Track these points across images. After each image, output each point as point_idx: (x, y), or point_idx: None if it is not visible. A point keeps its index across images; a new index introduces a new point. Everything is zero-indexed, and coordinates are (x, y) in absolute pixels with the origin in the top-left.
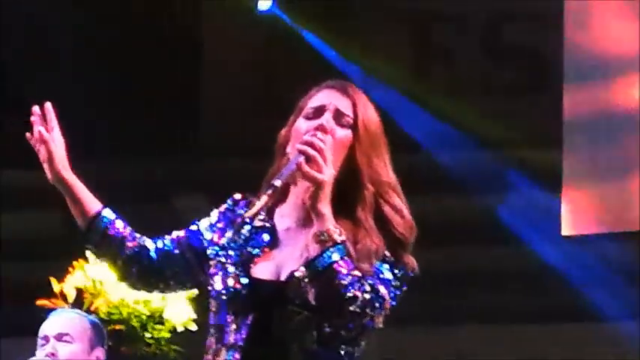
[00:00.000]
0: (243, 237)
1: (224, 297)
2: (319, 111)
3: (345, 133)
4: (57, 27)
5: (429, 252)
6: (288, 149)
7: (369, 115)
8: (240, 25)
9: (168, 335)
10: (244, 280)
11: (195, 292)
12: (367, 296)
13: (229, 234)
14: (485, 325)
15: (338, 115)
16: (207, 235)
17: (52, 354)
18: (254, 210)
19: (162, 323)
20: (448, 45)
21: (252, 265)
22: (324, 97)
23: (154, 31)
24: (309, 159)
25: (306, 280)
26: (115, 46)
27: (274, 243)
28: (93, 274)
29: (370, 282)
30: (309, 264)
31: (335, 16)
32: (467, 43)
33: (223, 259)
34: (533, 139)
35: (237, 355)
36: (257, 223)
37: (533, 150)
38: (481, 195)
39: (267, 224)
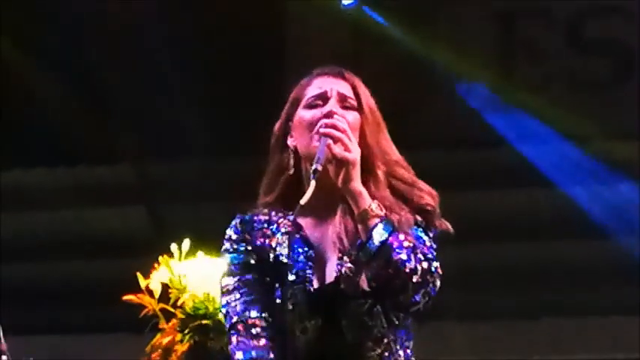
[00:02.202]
0: (284, 249)
1: (285, 308)
2: (322, 98)
3: (353, 116)
4: (140, 26)
5: (516, 245)
6: (290, 142)
7: (368, 95)
8: (325, 20)
9: None
10: (300, 290)
11: None
12: (425, 264)
13: (284, 249)
14: (572, 319)
15: (342, 99)
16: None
17: None
18: (307, 197)
19: None
20: (533, 39)
21: (302, 276)
22: (322, 83)
23: (238, 29)
24: (335, 141)
25: (361, 264)
26: (197, 44)
27: (311, 246)
28: (178, 269)
29: (420, 248)
30: (362, 246)
31: (419, 11)
32: (551, 37)
33: (275, 277)
34: (618, 132)
35: None
36: (283, 229)
37: (619, 143)
38: (567, 188)
39: (294, 230)
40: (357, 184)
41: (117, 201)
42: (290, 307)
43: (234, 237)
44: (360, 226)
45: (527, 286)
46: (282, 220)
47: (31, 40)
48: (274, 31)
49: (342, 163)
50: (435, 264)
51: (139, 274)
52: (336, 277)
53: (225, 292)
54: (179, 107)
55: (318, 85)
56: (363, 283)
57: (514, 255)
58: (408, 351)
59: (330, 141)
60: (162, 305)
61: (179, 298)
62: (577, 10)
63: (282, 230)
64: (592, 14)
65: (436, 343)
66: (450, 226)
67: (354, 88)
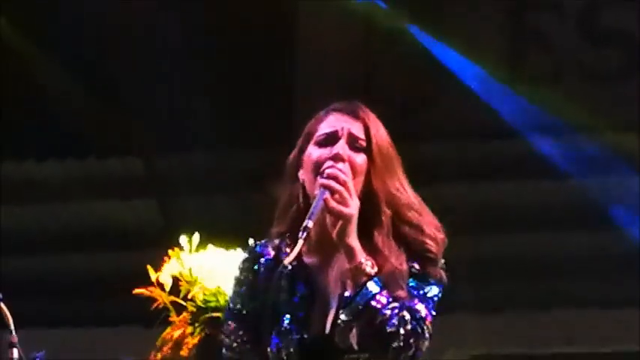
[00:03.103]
0: (283, 290)
1: (279, 357)
2: (332, 137)
3: (361, 159)
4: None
5: (526, 236)
6: (300, 175)
7: (381, 135)
8: (338, 12)
9: None
10: (295, 338)
11: None
12: (409, 327)
13: (284, 292)
14: (584, 310)
15: (351, 140)
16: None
17: None
18: (291, 257)
19: None
20: (544, 31)
21: (297, 320)
22: (335, 121)
23: (249, 22)
24: (333, 193)
25: (349, 321)
26: (208, 37)
27: (311, 288)
28: (189, 262)
29: (408, 305)
30: (348, 304)
31: (431, 3)
32: (563, 28)
33: (270, 320)
34: (629, 124)
35: None
36: (289, 271)
37: (629, 135)
38: (578, 180)
39: (300, 269)
40: (350, 239)
41: (127, 193)
42: (284, 356)
43: (238, 275)
44: (349, 282)
45: (538, 277)
46: (288, 256)
47: (42, 32)
48: (286, 24)
49: (338, 218)
50: (424, 324)
51: (149, 267)
52: (331, 328)
53: (225, 331)
54: (189, 100)
55: (330, 122)
56: (355, 337)
57: (524, 246)
58: None
59: (327, 194)
60: (172, 298)
61: (189, 290)
62: (589, 2)
63: (288, 271)
64: (604, 5)
65: (447, 335)
66: (445, 279)
67: (366, 128)
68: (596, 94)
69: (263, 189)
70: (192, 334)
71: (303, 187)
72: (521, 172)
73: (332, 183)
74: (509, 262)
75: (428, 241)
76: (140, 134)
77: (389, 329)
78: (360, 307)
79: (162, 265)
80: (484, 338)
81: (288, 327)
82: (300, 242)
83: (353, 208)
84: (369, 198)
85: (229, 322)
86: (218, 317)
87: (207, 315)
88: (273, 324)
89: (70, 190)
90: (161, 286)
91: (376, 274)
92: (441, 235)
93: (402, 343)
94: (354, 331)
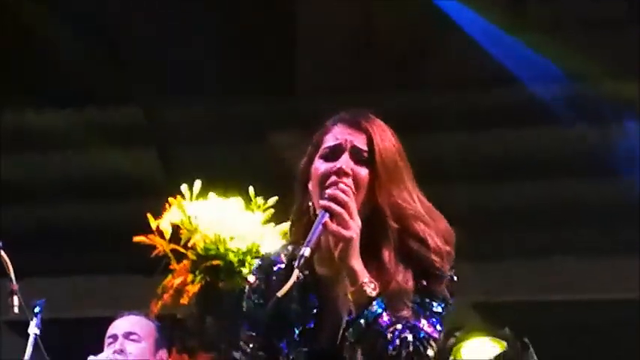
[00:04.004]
0: (294, 300)
1: None
2: (336, 150)
3: (364, 172)
4: None
5: (525, 184)
6: (309, 186)
7: (386, 144)
8: None
9: None
10: (304, 351)
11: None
12: (410, 348)
13: (295, 303)
14: (584, 258)
15: (355, 153)
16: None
17: (121, 350)
18: (286, 288)
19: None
20: None
21: (307, 332)
22: (339, 133)
23: None
24: (333, 215)
25: (353, 343)
26: None
27: (322, 300)
28: (189, 210)
29: (412, 324)
30: (352, 324)
31: None
32: None
33: (281, 329)
34: (628, 71)
35: None
36: (301, 281)
37: (628, 83)
38: (578, 128)
39: (312, 280)
40: (352, 261)
41: (127, 142)
42: None
43: (252, 282)
44: (351, 302)
45: (538, 225)
46: (302, 267)
47: None
48: None
49: (339, 240)
50: (428, 341)
51: (149, 215)
52: (339, 343)
53: (242, 336)
54: (190, 48)
55: (335, 134)
56: (360, 356)
57: (524, 194)
58: None
59: (327, 217)
60: (173, 246)
61: (190, 238)
62: None
63: (301, 282)
64: None
65: None
66: (449, 297)
67: (370, 140)
68: (596, 42)
69: (263, 138)
70: (192, 281)
71: (312, 199)
72: (521, 121)
73: (332, 205)
74: (509, 210)
75: (433, 257)
76: (140, 83)
77: (391, 352)
78: (363, 328)
79: (162, 214)
80: (484, 286)
81: (297, 339)
82: (295, 273)
83: (353, 230)
84: (374, 211)
85: (245, 328)
86: (218, 265)
87: (207, 263)
88: (284, 334)
89: (70, 140)
90: (161, 234)
91: (380, 293)
92: (446, 248)
93: None
94: (359, 349)
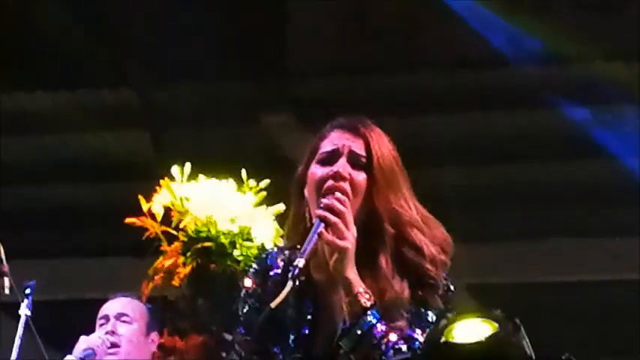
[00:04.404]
0: (290, 305)
1: None
2: (334, 155)
3: (362, 177)
4: None
5: (519, 166)
6: (305, 193)
7: (383, 151)
8: None
9: (257, 252)
10: (298, 357)
11: (282, 208)
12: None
13: (291, 307)
14: (575, 238)
15: (352, 158)
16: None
17: (112, 332)
18: (280, 299)
19: (250, 240)
20: None
21: (302, 338)
22: (337, 138)
23: None
24: (329, 225)
25: (347, 352)
26: None
27: (318, 307)
28: (180, 192)
29: (406, 335)
30: (346, 334)
31: None
32: None
33: (276, 334)
34: (620, 52)
35: None
36: (297, 287)
37: (621, 63)
38: (569, 109)
39: (308, 286)
40: (347, 271)
41: (119, 125)
42: None
43: (248, 287)
44: (346, 311)
45: (531, 207)
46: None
47: None
48: None
49: (334, 250)
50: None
51: (140, 197)
52: (333, 350)
53: (237, 338)
54: (182, 31)
55: (332, 140)
56: None
57: (517, 176)
58: None
59: (322, 227)
60: (164, 228)
61: (181, 220)
62: None
63: (297, 288)
64: None
65: None
66: (441, 306)
67: (367, 145)
68: (586, 23)
69: (255, 120)
70: (183, 263)
71: (309, 205)
72: (512, 102)
73: (327, 215)
74: (502, 191)
75: (427, 265)
76: (132, 65)
77: None
78: (357, 338)
79: (154, 196)
80: (479, 268)
81: (292, 344)
82: (289, 285)
83: (349, 240)
84: (371, 217)
85: (240, 331)
86: (209, 247)
87: (198, 245)
88: (279, 339)
89: (61, 122)
90: (153, 216)
91: (375, 302)
92: (441, 257)
93: None
94: (355, 357)
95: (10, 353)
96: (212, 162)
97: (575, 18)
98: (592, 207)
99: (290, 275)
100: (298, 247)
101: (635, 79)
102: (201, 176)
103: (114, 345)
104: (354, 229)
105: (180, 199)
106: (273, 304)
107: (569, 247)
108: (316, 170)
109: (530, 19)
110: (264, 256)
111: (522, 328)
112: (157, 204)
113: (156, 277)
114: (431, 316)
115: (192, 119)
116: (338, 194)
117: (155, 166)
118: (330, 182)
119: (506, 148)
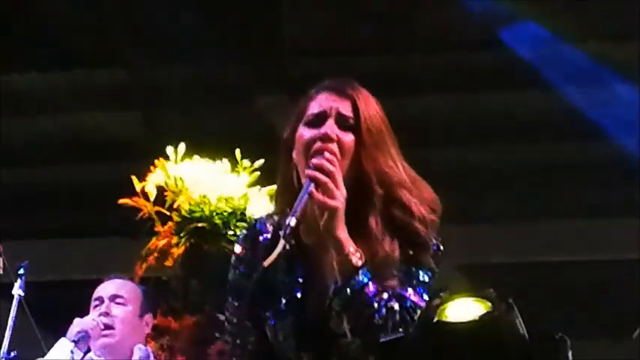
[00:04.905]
0: (281, 269)
1: (273, 340)
2: (321, 117)
3: (350, 138)
4: None
5: (513, 147)
6: (294, 155)
7: (371, 112)
8: None
9: None
10: (291, 320)
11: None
12: (397, 318)
13: (281, 272)
14: (571, 220)
15: (340, 119)
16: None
17: (106, 313)
18: (272, 257)
19: (244, 220)
20: None
21: (294, 301)
22: (324, 100)
23: None
24: (319, 184)
25: (339, 311)
26: None
27: (309, 270)
28: (174, 172)
29: (398, 293)
30: (338, 294)
31: None
32: None
33: (269, 303)
34: (616, 32)
35: None
36: (288, 250)
37: (617, 43)
38: (565, 90)
39: (299, 249)
40: (337, 231)
41: (113, 105)
42: (281, 338)
43: (238, 252)
44: (337, 271)
45: (525, 187)
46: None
47: None
48: None
49: (324, 210)
50: (414, 312)
51: (134, 177)
52: (326, 313)
53: (227, 306)
54: (176, 11)
55: (320, 102)
56: (346, 327)
57: (511, 156)
58: None
59: (312, 186)
60: (157, 208)
61: (175, 200)
62: None
63: (287, 251)
64: None
65: None
66: (433, 266)
67: (354, 107)
68: (582, 2)
69: (250, 100)
70: (177, 244)
71: (297, 168)
72: (508, 83)
73: (317, 174)
74: (496, 172)
75: (417, 225)
76: (126, 45)
77: (377, 321)
78: (349, 298)
79: (147, 176)
80: (469, 248)
81: (284, 308)
82: (281, 243)
83: (338, 200)
84: (359, 177)
85: (230, 298)
86: (203, 227)
87: (192, 225)
88: (271, 303)
89: (55, 102)
90: (146, 196)
91: (366, 262)
92: (431, 217)
93: (390, 334)
94: (345, 320)
95: (4, 334)
96: (207, 142)
97: None
98: (583, 188)
99: (282, 234)
100: (288, 210)
101: (629, 59)
102: (195, 156)
103: (108, 327)
104: (343, 189)
105: (175, 178)
106: (265, 263)
107: (562, 227)
108: (304, 132)
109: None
110: (253, 222)
111: (515, 308)
112: (151, 184)
113: (149, 258)
114: (422, 275)
115: (187, 100)
116: (327, 154)
117: (149, 146)
118: (318, 144)
119: (498, 129)
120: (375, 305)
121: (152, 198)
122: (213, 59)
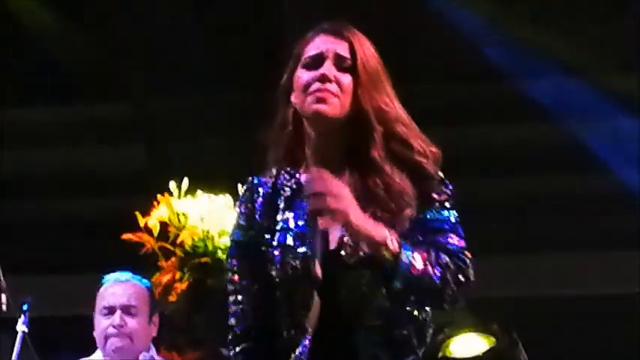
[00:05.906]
0: (284, 209)
1: (283, 277)
2: (319, 59)
3: (348, 79)
4: None
5: (515, 179)
6: (292, 98)
7: (367, 53)
8: None
9: None
10: (299, 252)
11: None
12: (452, 268)
13: (287, 213)
14: (573, 251)
15: (338, 60)
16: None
17: (120, 325)
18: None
19: None
20: None
21: (300, 236)
22: (321, 43)
23: None
24: (321, 213)
25: (399, 292)
26: None
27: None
28: (178, 207)
29: (442, 243)
30: (391, 281)
31: None
32: None
33: (275, 243)
34: (618, 64)
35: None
36: (287, 192)
37: (618, 75)
38: (567, 122)
39: (301, 187)
40: (360, 224)
41: (116, 139)
42: (289, 270)
43: (239, 207)
44: (370, 248)
45: (528, 219)
46: (287, 181)
47: None
48: None
49: (338, 220)
50: (464, 255)
51: (137, 212)
52: (337, 244)
53: (229, 264)
54: (179, 43)
55: (317, 44)
56: (364, 254)
57: (513, 188)
58: (417, 324)
59: (320, 226)
60: (161, 243)
61: (178, 235)
62: None
63: (287, 194)
64: None
65: None
66: (445, 191)
67: (351, 47)
68: (584, 34)
69: (252, 132)
70: (180, 279)
71: (295, 111)
72: (509, 115)
73: (317, 214)
74: (498, 204)
75: (418, 157)
76: (128, 79)
77: (439, 284)
78: (404, 279)
79: (150, 211)
80: (477, 281)
81: (291, 243)
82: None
83: (342, 203)
84: (359, 116)
85: (232, 254)
86: (207, 262)
87: (195, 260)
88: (276, 243)
89: (57, 136)
90: (149, 231)
91: (401, 248)
92: (431, 148)
93: (452, 292)
94: (412, 298)
95: None
96: (209, 176)
97: (572, 29)
98: (590, 219)
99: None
100: (283, 161)
101: (633, 91)
102: (198, 191)
103: (124, 335)
104: (339, 187)
105: (177, 214)
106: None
107: (568, 260)
108: (302, 74)
109: (527, 30)
110: (250, 178)
111: (520, 343)
112: (154, 219)
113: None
114: (451, 216)
115: (189, 133)
116: (327, 86)
117: (152, 181)
118: (316, 84)
119: (503, 162)
120: (429, 270)
121: (155, 233)
122: (214, 90)
